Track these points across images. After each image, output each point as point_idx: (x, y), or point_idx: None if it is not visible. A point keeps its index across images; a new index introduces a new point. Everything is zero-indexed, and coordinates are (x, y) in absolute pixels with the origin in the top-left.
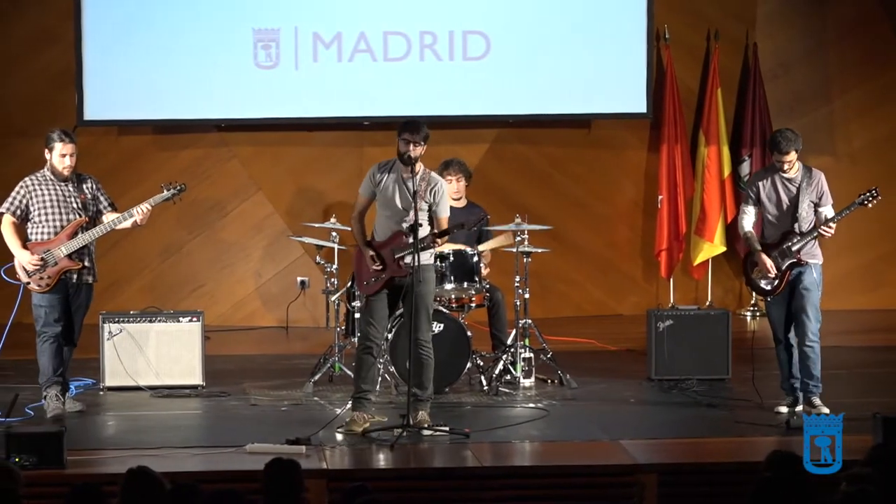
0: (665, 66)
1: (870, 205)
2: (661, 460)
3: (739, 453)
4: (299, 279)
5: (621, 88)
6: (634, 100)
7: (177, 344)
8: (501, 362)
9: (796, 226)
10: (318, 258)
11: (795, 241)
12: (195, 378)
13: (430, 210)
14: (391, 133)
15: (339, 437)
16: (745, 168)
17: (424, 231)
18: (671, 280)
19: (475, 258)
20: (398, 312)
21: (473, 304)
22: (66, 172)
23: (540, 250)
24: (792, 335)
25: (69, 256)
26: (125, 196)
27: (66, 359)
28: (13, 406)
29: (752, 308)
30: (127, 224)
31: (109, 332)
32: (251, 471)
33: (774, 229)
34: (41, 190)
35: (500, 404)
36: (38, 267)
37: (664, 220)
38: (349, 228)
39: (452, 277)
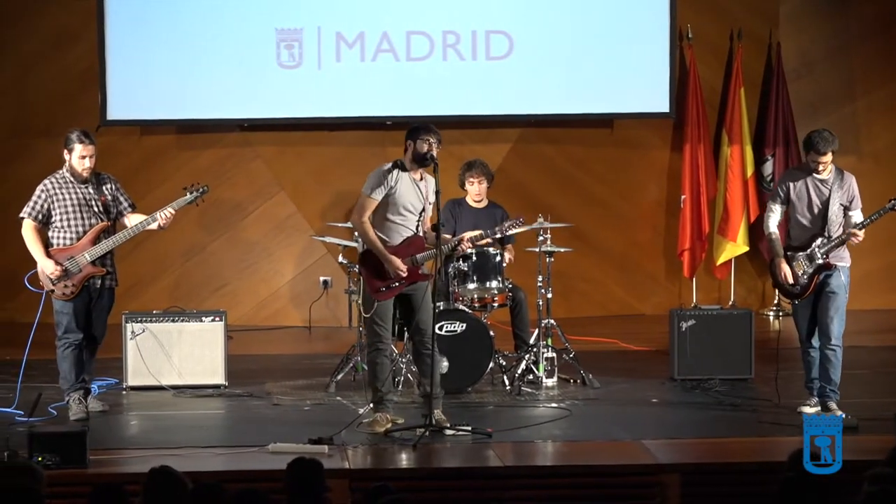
0: (688, 66)
1: None
2: (683, 460)
3: (762, 453)
4: (322, 279)
5: (644, 88)
6: (657, 99)
7: (199, 343)
8: (524, 362)
9: (826, 228)
10: (340, 258)
11: (823, 244)
12: (218, 378)
13: (425, 211)
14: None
15: (362, 435)
16: (768, 168)
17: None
18: (694, 280)
19: (497, 258)
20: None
21: (496, 304)
22: (85, 174)
23: (563, 250)
24: (815, 338)
25: (93, 263)
26: (148, 196)
27: (88, 360)
28: (36, 405)
29: (774, 308)
30: (150, 227)
31: (132, 332)
32: (273, 470)
33: (802, 230)
34: (62, 193)
35: (522, 404)
36: (61, 275)
37: (687, 220)
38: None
39: (475, 277)
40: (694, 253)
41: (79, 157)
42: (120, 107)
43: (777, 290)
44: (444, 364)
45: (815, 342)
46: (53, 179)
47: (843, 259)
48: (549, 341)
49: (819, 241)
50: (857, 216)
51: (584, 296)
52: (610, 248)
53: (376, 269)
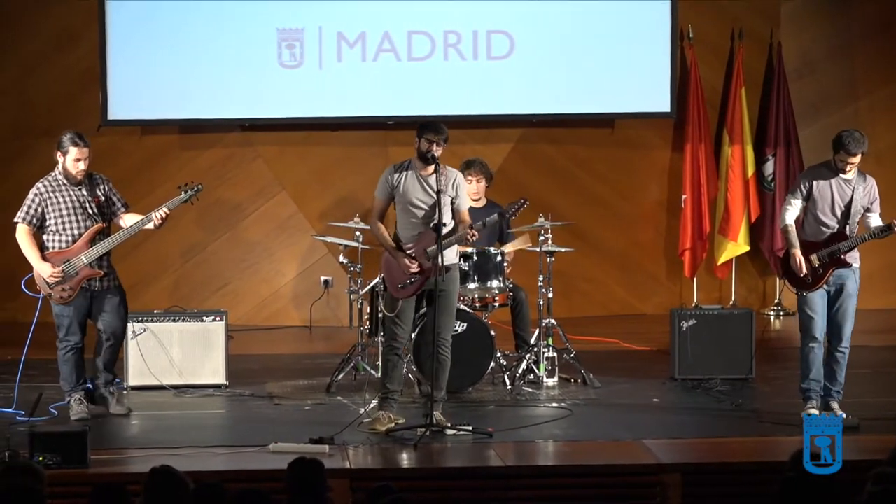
0: (689, 66)
1: None
2: (684, 460)
3: (763, 453)
4: (323, 279)
5: (645, 88)
6: (658, 99)
7: (200, 343)
8: (525, 362)
9: (847, 228)
10: (341, 258)
11: (844, 244)
12: (219, 377)
13: (452, 204)
14: (415, 133)
15: (363, 435)
16: (769, 167)
17: (448, 228)
18: (695, 279)
19: (499, 258)
20: (421, 312)
21: (497, 304)
22: (79, 177)
23: (563, 250)
24: (822, 334)
25: (90, 265)
26: (149, 196)
27: (114, 357)
28: (37, 405)
29: (775, 307)
30: (147, 227)
31: (133, 332)
32: (275, 470)
33: (818, 227)
34: (56, 197)
35: (523, 404)
36: (58, 279)
37: (688, 220)
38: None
39: (476, 277)
40: (695, 253)
41: (73, 159)
42: (121, 107)
43: (786, 280)
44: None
45: (821, 337)
46: (46, 182)
47: (856, 259)
48: (550, 341)
49: (841, 241)
50: (874, 219)
51: (584, 295)
52: (611, 247)
53: (395, 268)
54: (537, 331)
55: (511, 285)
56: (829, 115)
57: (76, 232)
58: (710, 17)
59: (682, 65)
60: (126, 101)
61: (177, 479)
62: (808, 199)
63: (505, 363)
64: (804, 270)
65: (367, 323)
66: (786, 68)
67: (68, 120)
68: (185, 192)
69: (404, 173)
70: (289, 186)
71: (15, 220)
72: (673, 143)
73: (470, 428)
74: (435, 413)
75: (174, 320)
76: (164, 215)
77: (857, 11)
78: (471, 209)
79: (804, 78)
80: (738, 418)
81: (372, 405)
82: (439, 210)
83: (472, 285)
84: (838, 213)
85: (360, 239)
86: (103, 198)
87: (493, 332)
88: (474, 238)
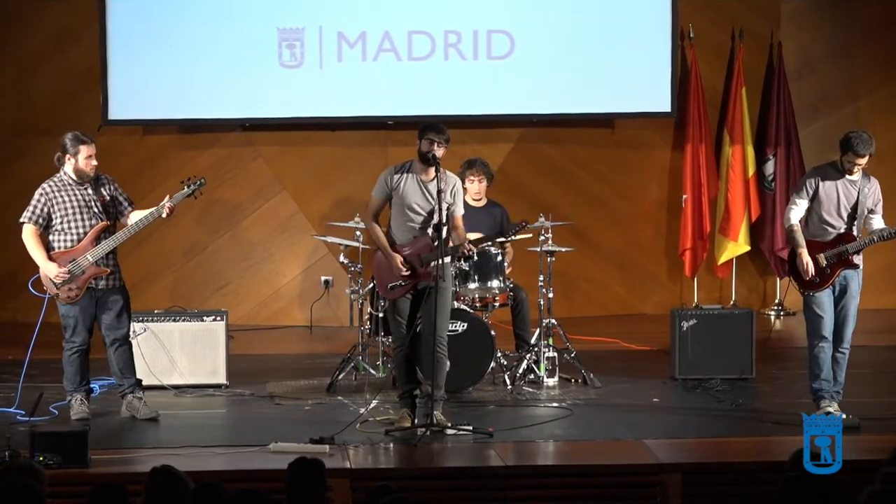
0: (689, 65)
1: None
2: (684, 460)
3: (764, 453)
4: (323, 278)
5: (646, 87)
6: (659, 99)
7: (201, 343)
8: (525, 361)
9: (854, 229)
10: (342, 257)
11: (853, 245)
12: (219, 377)
13: (447, 210)
14: (415, 133)
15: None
16: (770, 167)
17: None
18: (695, 279)
19: (499, 258)
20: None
21: (497, 304)
22: (92, 174)
23: (564, 249)
24: (831, 334)
25: (95, 263)
26: (150, 195)
27: (126, 359)
28: (37, 405)
29: (776, 307)
30: (154, 219)
31: (133, 332)
32: (275, 470)
33: (823, 227)
34: (61, 196)
35: (523, 404)
36: (65, 279)
37: (688, 220)
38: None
39: (476, 277)
40: (695, 252)
41: (86, 157)
42: (121, 106)
43: (792, 279)
44: None
45: (830, 337)
46: (52, 183)
47: (861, 260)
48: (551, 341)
49: (849, 242)
50: (878, 221)
51: (585, 295)
52: (611, 247)
53: (387, 268)
54: (538, 330)
55: (511, 285)
56: (830, 114)
57: (81, 231)
58: (711, 17)
59: (683, 65)
60: (126, 101)
61: (177, 478)
62: (814, 199)
63: (505, 363)
64: (811, 271)
65: (368, 323)
66: (786, 68)
67: (68, 120)
68: (189, 187)
69: (405, 175)
70: (289, 186)
71: (21, 220)
72: (673, 142)
73: (470, 428)
74: (435, 413)
75: (175, 320)
76: (170, 208)
77: (857, 11)
78: (472, 209)
79: (804, 78)
80: (739, 418)
81: (371, 406)
82: (440, 211)
83: (472, 285)
84: (843, 213)
85: (361, 239)
86: (108, 197)
87: (493, 332)
88: (471, 253)
